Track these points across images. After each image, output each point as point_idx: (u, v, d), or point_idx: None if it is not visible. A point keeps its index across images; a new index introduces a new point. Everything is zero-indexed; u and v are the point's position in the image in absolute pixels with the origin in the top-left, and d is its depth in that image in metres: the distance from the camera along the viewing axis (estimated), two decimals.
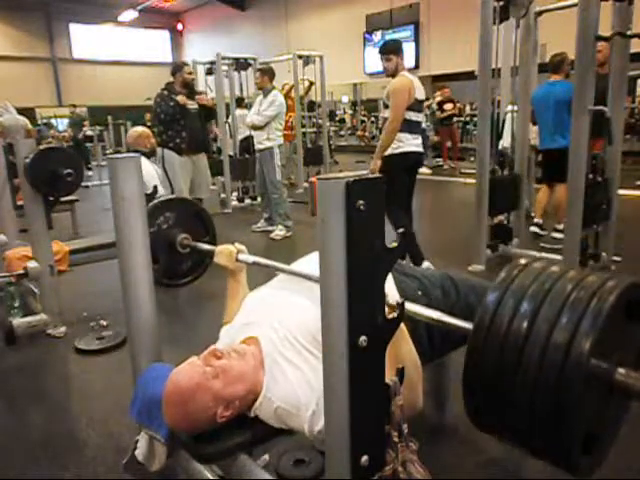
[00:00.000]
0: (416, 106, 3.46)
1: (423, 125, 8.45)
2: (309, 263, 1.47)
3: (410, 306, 1.06)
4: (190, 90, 4.89)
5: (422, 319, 1.09)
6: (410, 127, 3.45)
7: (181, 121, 4.71)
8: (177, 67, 4.86)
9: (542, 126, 4.33)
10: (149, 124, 4.69)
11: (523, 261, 0.88)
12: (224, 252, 1.65)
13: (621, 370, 0.76)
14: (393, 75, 3.48)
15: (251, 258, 1.62)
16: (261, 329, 1.35)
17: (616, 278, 0.78)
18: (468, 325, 0.93)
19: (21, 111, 5.32)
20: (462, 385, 0.85)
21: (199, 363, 1.25)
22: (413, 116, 3.46)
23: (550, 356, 0.73)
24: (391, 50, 3.50)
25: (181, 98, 4.62)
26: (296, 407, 1.18)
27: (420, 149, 3.58)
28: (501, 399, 0.80)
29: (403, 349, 1.05)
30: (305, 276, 1.33)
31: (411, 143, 3.48)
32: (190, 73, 4.84)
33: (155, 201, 1.89)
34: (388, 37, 14.01)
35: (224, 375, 1.22)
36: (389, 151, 3.45)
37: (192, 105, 4.79)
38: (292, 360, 1.24)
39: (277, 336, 1.30)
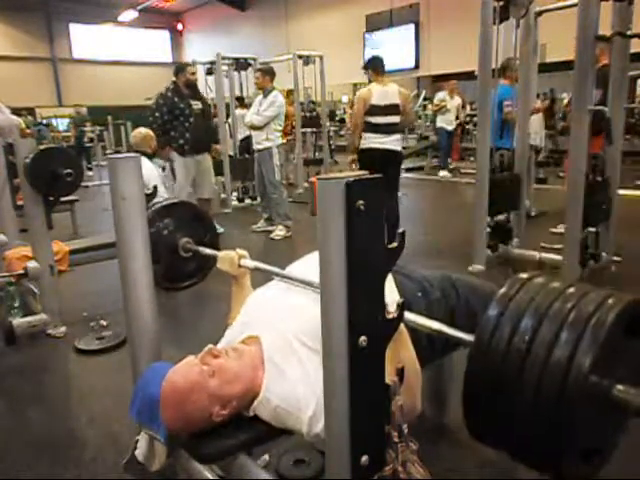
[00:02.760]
0: (374, 110, 4.15)
1: (447, 127, 8.14)
2: (307, 264, 1.47)
3: (410, 316, 1.07)
4: (194, 90, 4.90)
5: (423, 329, 1.09)
6: (372, 128, 4.18)
7: (185, 122, 4.71)
8: (180, 68, 4.88)
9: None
10: (155, 126, 4.67)
11: (525, 275, 0.89)
12: (226, 258, 1.66)
13: (619, 387, 0.77)
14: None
15: (253, 263, 1.63)
16: (262, 328, 1.34)
17: (616, 296, 0.79)
18: (469, 337, 0.94)
19: (20, 111, 5.32)
20: (462, 399, 0.86)
21: (196, 362, 1.25)
22: (372, 119, 4.16)
23: (550, 373, 0.75)
24: (366, 66, 4.38)
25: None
26: (296, 407, 1.18)
27: (388, 146, 4.21)
28: (501, 415, 0.81)
29: (402, 354, 1.05)
30: (305, 283, 1.33)
31: (374, 141, 4.19)
32: (193, 74, 4.86)
33: (157, 205, 1.89)
34: (388, 36, 14.07)
35: (220, 374, 1.22)
36: (361, 147, 4.26)
37: (196, 105, 4.81)
38: (293, 360, 1.24)
39: (278, 335, 1.29)
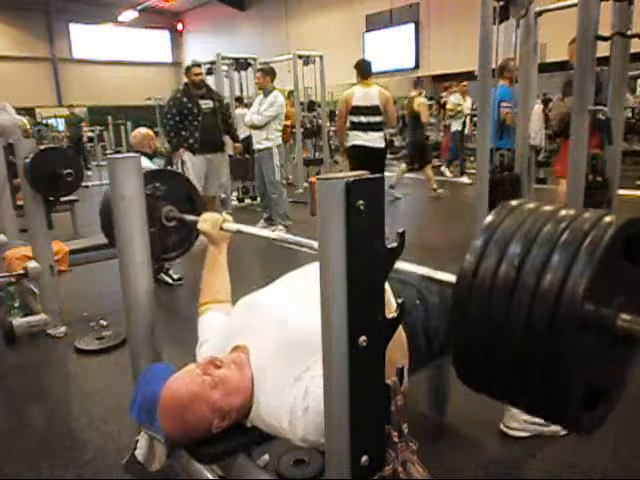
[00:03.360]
0: (356, 111, 4.62)
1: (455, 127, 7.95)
2: (305, 275, 1.46)
3: (399, 264, 0.97)
4: (206, 89, 4.99)
5: (412, 275, 1.04)
6: (354, 126, 4.68)
7: (194, 122, 4.77)
8: (187, 69, 5.00)
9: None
10: (168, 127, 4.80)
11: (514, 202, 0.81)
12: (209, 219, 1.59)
13: (625, 316, 0.69)
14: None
15: (236, 226, 1.57)
16: (250, 338, 1.32)
17: (614, 214, 0.71)
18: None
19: (19, 111, 5.33)
20: (449, 341, 0.80)
21: (198, 372, 1.22)
22: (355, 118, 4.64)
23: (540, 302, 0.67)
24: (354, 67, 4.80)
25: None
26: (275, 418, 1.17)
27: (370, 144, 4.66)
28: (490, 353, 0.73)
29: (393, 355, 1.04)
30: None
31: (358, 138, 4.68)
32: (197, 74, 4.92)
33: (147, 170, 1.84)
34: (388, 36, 14.07)
35: (223, 385, 1.20)
36: (348, 144, 4.76)
37: (206, 105, 4.85)
38: (271, 371, 1.22)
39: (264, 346, 1.27)
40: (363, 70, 4.68)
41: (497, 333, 0.71)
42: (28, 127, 5.30)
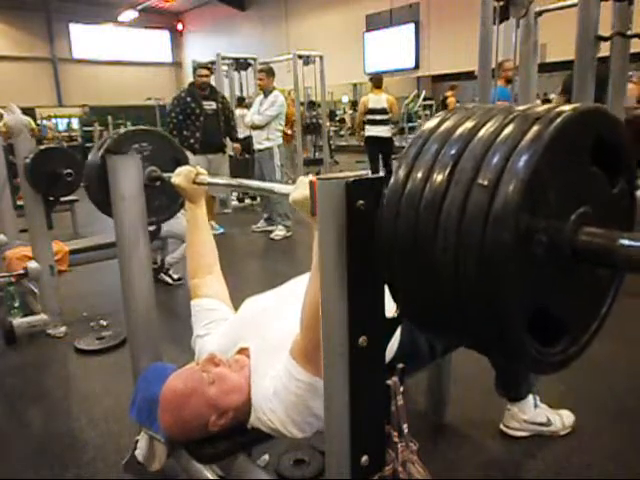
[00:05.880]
0: (370, 111, 6.54)
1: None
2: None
3: None
4: (210, 91, 5.03)
5: None
6: (370, 122, 6.59)
7: (196, 122, 4.80)
8: (193, 69, 5.11)
9: None
10: (171, 126, 4.86)
11: (469, 105, 0.69)
12: (182, 172, 1.51)
13: (587, 229, 0.58)
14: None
15: (209, 178, 1.52)
16: (252, 340, 1.33)
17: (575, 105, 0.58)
18: None
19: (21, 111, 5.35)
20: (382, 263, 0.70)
21: (197, 368, 1.26)
22: (370, 116, 6.57)
23: (471, 209, 0.55)
24: (370, 78, 7.20)
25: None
26: (269, 419, 1.17)
27: (381, 134, 6.56)
28: (423, 279, 0.62)
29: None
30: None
31: (372, 131, 6.61)
32: (201, 76, 4.96)
33: (127, 130, 1.78)
34: (388, 36, 14.07)
35: (220, 383, 1.22)
36: (365, 135, 6.70)
37: (209, 106, 4.89)
38: (267, 373, 1.23)
39: (262, 347, 1.29)
40: (377, 82, 6.72)
41: (427, 255, 0.59)
42: (34, 126, 5.34)
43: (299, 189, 0.96)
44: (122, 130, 1.80)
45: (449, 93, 10.25)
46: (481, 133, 0.58)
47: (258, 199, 6.38)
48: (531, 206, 0.54)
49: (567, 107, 0.57)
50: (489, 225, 0.53)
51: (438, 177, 0.59)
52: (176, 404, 1.20)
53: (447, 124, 0.64)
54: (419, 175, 0.61)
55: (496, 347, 0.64)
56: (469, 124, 0.61)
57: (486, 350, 0.66)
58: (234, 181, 1.45)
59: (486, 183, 0.54)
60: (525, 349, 0.60)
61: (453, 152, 0.59)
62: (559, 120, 0.54)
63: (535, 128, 0.54)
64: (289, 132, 7.43)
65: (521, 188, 0.52)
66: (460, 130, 0.61)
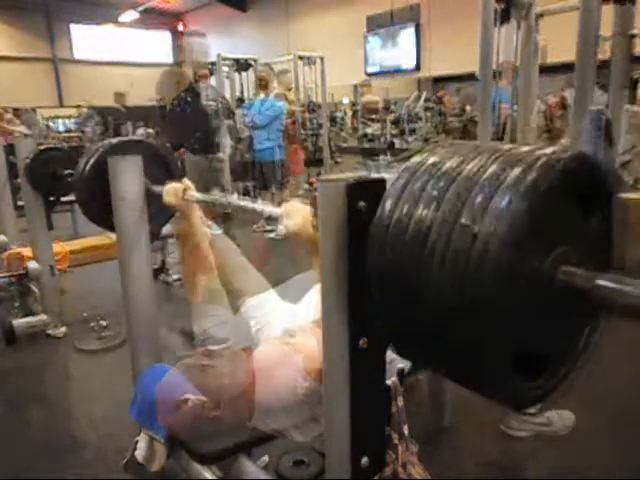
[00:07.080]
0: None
1: None
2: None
3: None
4: (210, 90, 5.06)
5: None
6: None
7: (196, 122, 4.81)
8: (194, 69, 5.11)
9: None
10: (169, 125, 4.91)
11: (457, 142, 0.71)
12: (171, 190, 1.48)
13: (565, 268, 0.59)
14: None
15: (197, 195, 1.50)
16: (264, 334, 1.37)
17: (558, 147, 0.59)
18: None
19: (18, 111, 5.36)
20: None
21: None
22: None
23: (453, 250, 0.56)
24: None
25: None
26: (267, 421, 1.20)
27: None
28: (406, 309, 0.64)
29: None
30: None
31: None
32: (201, 76, 5.01)
33: (119, 140, 1.76)
34: (389, 37, 14.07)
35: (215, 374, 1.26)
36: None
37: (209, 105, 4.90)
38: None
39: (266, 346, 1.31)
40: None
41: (411, 290, 0.61)
42: (42, 126, 5.39)
43: (292, 219, 0.92)
44: (114, 140, 1.77)
45: (442, 92, 11.05)
46: (465, 173, 0.60)
47: (258, 199, 6.39)
48: (511, 247, 0.55)
49: (548, 150, 0.59)
50: (471, 265, 0.55)
51: (423, 212, 0.61)
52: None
53: (433, 159, 0.65)
54: (404, 211, 0.63)
55: (475, 382, 0.65)
56: (454, 162, 0.63)
57: (465, 384, 0.67)
58: (223, 198, 1.43)
59: (469, 223, 0.56)
60: (504, 386, 0.61)
61: (438, 189, 0.61)
62: (538, 164, 0.56)
63: (516, 171, 0.56)
64: (292, 132, 7.39)
65: (502, 229, 0.54)
66: (446, 167, 0.63)
